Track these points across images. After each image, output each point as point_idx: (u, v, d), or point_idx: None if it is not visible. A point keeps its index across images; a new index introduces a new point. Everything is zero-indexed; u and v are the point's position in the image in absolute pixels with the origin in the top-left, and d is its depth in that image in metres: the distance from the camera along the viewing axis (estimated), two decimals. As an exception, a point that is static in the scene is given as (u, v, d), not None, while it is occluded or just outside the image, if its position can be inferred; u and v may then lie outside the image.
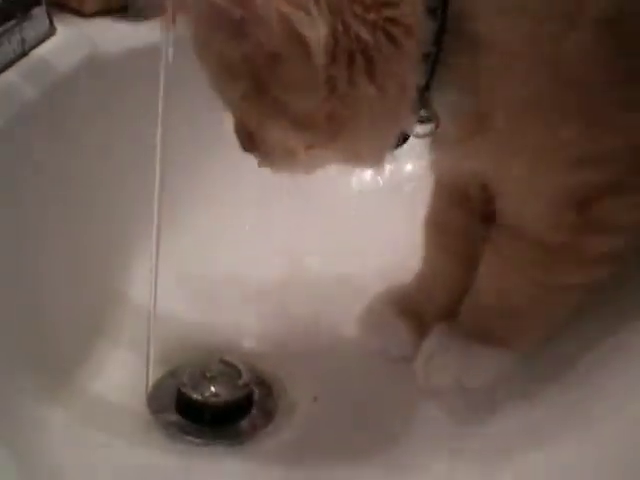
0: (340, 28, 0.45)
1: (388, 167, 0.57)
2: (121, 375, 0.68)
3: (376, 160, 0.55)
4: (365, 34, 0.46)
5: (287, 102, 0.48)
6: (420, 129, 0.53)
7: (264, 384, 0.68)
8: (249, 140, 0.55)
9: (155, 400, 0.65)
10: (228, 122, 0.57)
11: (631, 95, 0.52)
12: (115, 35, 0.79)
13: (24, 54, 0.66)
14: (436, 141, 0.56)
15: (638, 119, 0.52)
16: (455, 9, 0.48)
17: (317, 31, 0.45)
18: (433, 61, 0.49)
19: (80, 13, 0.82)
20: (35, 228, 0.63)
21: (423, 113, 0.52)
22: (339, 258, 0.81)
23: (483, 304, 0.64)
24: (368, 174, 0.88)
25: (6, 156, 0.59)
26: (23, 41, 0.66)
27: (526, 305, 0.62)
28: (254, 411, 0.66)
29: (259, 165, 0.57)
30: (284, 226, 0.82)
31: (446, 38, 0.48)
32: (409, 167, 0.86)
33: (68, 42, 0.72)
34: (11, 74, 0.63)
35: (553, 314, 0.62)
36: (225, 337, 0.73)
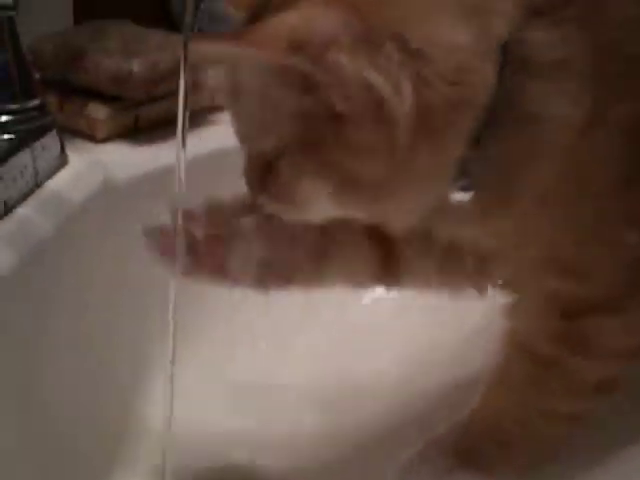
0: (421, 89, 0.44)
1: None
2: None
3: (405, 223, 0.54)
4: (437, 102, 0.44)
5: (343, 164, 0.46)
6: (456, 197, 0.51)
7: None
8: (260, 182, 0.53)
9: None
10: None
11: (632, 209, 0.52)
12: (127, 160, 0.80)
13: (37, 186, 0.67)
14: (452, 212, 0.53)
15: (632, 237, 0.52)
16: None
17: (404, 109, 0.44)
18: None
19: (92, 138, 0.83)
20: (52, 357, 0.63)
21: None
22: (355, 368, 0.80)
23: (476, 426, 0.63)
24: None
25: (22, 290, 0.59)
26: (36, 174, 0.67)
27: (517, 432, 0.60)
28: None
29: (264, 208, 0.55)
30: (299, 335, 0.82)
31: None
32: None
33: (80, 172, 0.72)
34: (25, 209, 0.64)
35: (542, 444, 0.60)
36: (243, 457, 0.72)
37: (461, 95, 0.45)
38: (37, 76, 0.85)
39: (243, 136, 0.52)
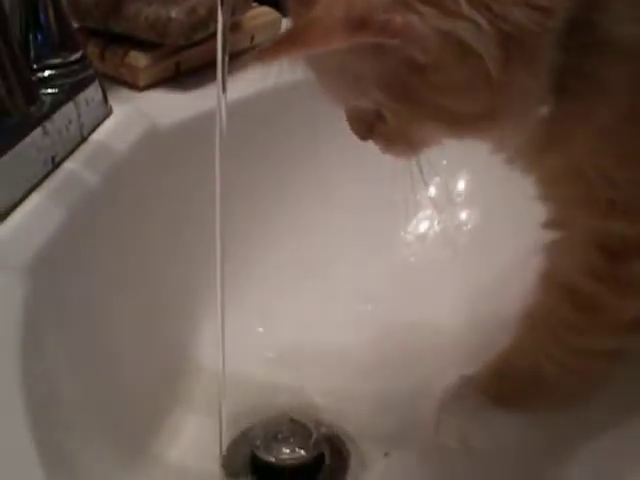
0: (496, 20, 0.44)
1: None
2: (195, 440, 0.70)
3: (514, 141, 0.54)
4: (516, 18, 0.44)
5: (445, 106, 0.47)
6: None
7: (335, 442, 0.69)
8: (367, 130, 0.54)
9: (230, 464, 0.67)
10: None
11: None
12: (170, 106, 0.80)
13: (83, 140, 0.68)
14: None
15: None
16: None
17: (486, 42, 0.43)
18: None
19: (134, 86, 0.84)
20: (107, 302, 0.65)
21: None
22: (408, 308, 0.81)
23: (510, 365, 0.64)
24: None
25: (73, 240, 0.61)
26: (81, 126, 0.68)
27: (553, 369, 0.61)
28: (327, 469, 0.67)
29: (383, 151, 0.56)
30: (348, 285, 0.83)
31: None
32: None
33: (124, 122, 0.73)
34: (72, 162, 0.65)
35: (578, 380, 0.61)
36: (294, 396, 0.74)
37: (536, 20, 0.44)
38: (77, 26, 0.86)
39: (334, 100, 0.53)
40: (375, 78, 0.47)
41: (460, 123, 0.49)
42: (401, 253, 0.90)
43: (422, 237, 0.90)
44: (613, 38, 0.48)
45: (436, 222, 0.89)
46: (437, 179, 0.87)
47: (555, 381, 0.61)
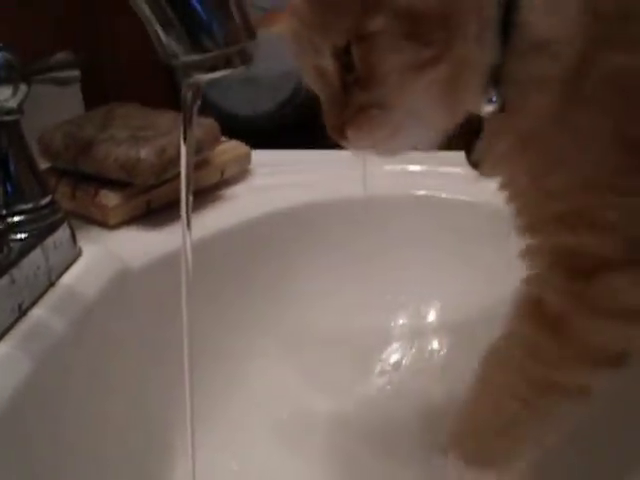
0: None
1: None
2: None
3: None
4: None
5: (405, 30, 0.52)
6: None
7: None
8: (342, 110, 0.57)
9: None
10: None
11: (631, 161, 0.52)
12: (140, 245, 0.81)
13: (52, 284, 0.68)
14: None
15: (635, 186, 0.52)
16: None
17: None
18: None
19: (104, 225, 0.85)
20: (74, 450, 0.63)
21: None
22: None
23: (473, 426, 0.63)
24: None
25: (41, 391, 0.60)
26: (50, 271, 0.68)
27: (521, 416, 0.59)
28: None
29: (349, 146, 0.59)
30: (323, 417, 0.83)
31: None
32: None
33: (94, 264, 0.73)
34: (40, 309, 0.65)
35: (544, 424, 0.60)
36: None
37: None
38: (48, 165, 0.87)
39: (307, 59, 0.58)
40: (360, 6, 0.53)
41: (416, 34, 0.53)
42: (377, 382, 0.89)
43: (397, 365, 0.90)
44: (531, 34, 0.52)
45: (410, 350, 0.89)
46: (410, 307, 0.88)
47: (521, 425, 0.60)
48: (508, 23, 0.53)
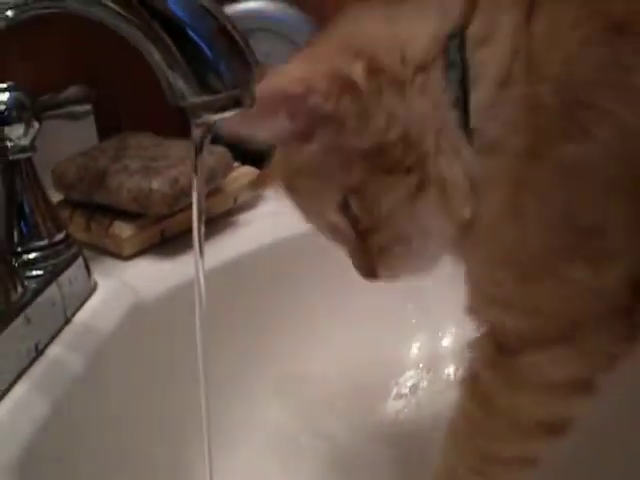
0: None
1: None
2: None
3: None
4: None
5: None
6: None
7: None
8: (366, 254, 0.62)
9: None
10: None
11: (591, 250, 0.53)
12: (154, 275, 0.81)
13: (67, 321, 0.68)
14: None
15: (583, 271, 0.53)
16: None
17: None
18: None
19: (119, 256, 0.85)
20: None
21: None
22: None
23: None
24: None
25: (60, 431, 0.60)
26: (65, 309, 0.69)
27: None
28: None
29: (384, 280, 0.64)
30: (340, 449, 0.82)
31: None
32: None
33: (108, 298, 0.74)
34: (56, 347, 0.65)
35: None
36: None
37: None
38: (62, 198, 0.88)
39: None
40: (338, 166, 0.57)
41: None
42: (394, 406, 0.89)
43: (414, 389, 0.90)
44: (482, 138, 0.54)
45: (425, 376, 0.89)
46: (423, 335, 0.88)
47: None
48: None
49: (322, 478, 0.80)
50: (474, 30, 0.55)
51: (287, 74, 0.56)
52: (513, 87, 0.52)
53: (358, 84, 0.55)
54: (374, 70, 0.55)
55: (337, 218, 0.61)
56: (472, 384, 0.60)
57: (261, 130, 0.59)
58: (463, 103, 0.55)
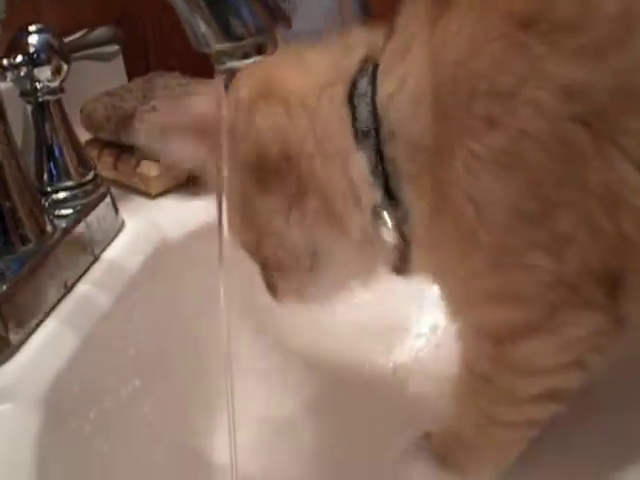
0: None
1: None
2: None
3: None
4: None
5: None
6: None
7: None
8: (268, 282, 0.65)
9: None
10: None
11: (542, 239, 0.53)
12: (181, 214, 0.83)
13: (95, 259, 0.71)
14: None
15: (543, 259, 0.53)
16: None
17: None
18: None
19: (146, 194, 0.87)
20: (121, 417, 0.66)
21: None
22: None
23: (448, 430, 0.67)
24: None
25: (88, 366, 0.62)
26: (94, 246, 0.71)
27: (475, 436, 0.64)
28: None
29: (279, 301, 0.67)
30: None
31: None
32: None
33: (136, 236, 0.76)
34: (84, 285, 0.67)
35: (502, 448, 0.64)
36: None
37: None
38: (91, 137, 0.89)
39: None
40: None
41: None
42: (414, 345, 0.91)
43: (433, 329, 0.91)
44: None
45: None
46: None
47: (478, 447, 0.65)
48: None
49: (343, 411, 0.82)
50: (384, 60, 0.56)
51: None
52: (420, 89, 0.53)
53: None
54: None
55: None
56: (468, 366, 0.62)
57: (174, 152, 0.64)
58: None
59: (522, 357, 0.57)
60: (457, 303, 0.60)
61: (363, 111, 0.55)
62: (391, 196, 0.57)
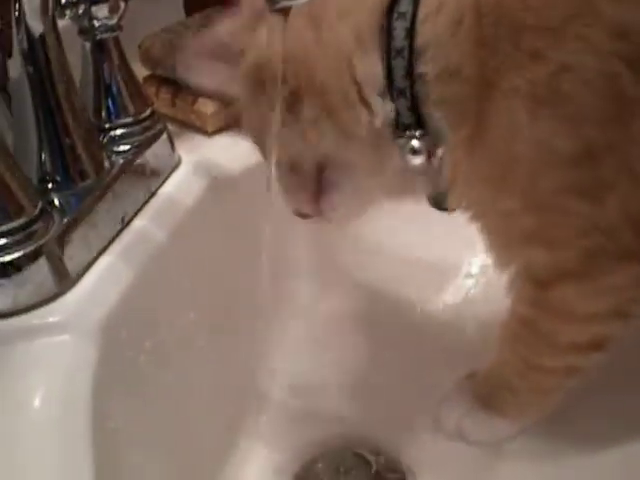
0: None
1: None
2: (262, 471, 0.74)
3: None
4: None
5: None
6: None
7: (395, 471, 0.73)
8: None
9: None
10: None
11: (580, 182, 0.52)
12: (238, 151, 0.83)
13: (152, 195, 0.72)
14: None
15: (579, 202, 0.53)
16: None
17: None
18: None
19: (203, 131, 0.88)
20: (178, 350, 0.69)
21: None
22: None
23: (490, 374, 0.68)
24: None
25: (143, 300, 0.64)
26: (150, 182, 0.72)
27: (517, 382, 0.64)
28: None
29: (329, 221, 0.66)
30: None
31: None
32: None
33: (192, 173, 0.77)
34: (141, 220, 0.69)
35: (543, 394, 0.65)
36: (353, 428, 0.77)
37: None
38: (149, 73, 0.90)
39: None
40: None
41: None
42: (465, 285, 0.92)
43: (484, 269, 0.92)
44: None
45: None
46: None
47: (519, 391, 0.65)
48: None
49: (391, 351, 0.84)
50: None
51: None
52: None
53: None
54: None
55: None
56: (518, 315, 0.62)
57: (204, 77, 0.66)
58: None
59: (561, 301, 0.57)
60: (496, 241, 0.60)
61: (400, 28, 0.54)
62: (419, 120, 0.56)
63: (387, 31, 0.54)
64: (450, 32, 0.52)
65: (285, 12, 0.56)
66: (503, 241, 0.59)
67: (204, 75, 0.66)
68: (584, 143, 0.50)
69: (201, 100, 0.87)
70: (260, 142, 0.65)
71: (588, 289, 0.56)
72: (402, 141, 0.57)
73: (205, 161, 0.80)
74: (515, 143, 0.52)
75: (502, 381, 0.66)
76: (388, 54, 0.55)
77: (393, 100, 0.56)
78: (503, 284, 0.62)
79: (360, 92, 0.56)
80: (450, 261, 0.90)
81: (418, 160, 0.57)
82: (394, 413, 0.77)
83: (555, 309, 0.58)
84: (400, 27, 0.54)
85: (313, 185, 0.62)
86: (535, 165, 0.52)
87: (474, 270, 0.91)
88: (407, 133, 0.56)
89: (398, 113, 0.56)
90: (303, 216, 0.66)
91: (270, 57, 0.58)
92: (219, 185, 0.78)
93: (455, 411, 0.70)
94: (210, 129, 0.87)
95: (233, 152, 0.84)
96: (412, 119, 0.56)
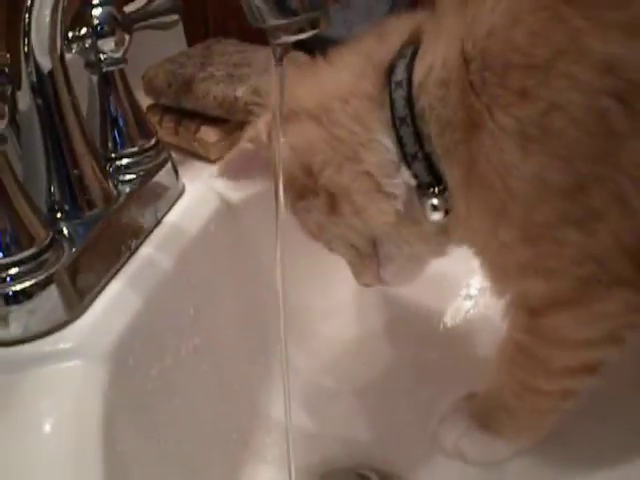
0: None
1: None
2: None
3: None
4: None
5: None
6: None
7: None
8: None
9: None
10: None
11: (574, 213, 0.54)
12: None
13: (158, 223, 0.74)
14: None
15: (573, 233, 0.54)
16: None
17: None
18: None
19: (206, 159, 0.90)
20: (183, 372, 0.70)
21: None
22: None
23: (488, 395, 0.70)
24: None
25: (150, 325, 0.65)
26: (156, 210, 0.74)
27: (514, 403, 0.66)
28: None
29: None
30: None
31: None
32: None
33: (196, 201, 0.79)
34: (148, 248, 0.70)
35: (539, 416, 0.67)
36: (357, 449, 0.79)
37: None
38: (153, 102, 0.92)
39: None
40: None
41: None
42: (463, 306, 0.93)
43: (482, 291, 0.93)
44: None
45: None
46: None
47: (516, 412, 0.67)
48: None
49: (391, 369, 0.85)
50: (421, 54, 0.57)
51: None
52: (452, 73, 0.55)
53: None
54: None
55: None
56: (509, 341, 0.64)
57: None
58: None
59: (555, 329, 0.59)
60: (494, 274, 0.62)
61: (399, 98, 0.57)
62: (435, 176, 0.59)
63: (390, 104, 0.58)
64: (441, 93, 0.55)
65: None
66: (500, 273, 0.62)
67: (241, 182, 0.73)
68: (575, 177, 0.52)
69: (203, 128, 0.89)
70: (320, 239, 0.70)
71: (581, 316, 0.58)
72: (424, 200, 0.60)
73: (209, 189, 0.82)
74: (509, 179, 0.54)
75: (499, 402, 0.68)
76: (394, 124, 0.58)
77: (409, 166, 0.59)
78: (501, 306, 0.64)
79: (376, 184, 0.60)
80: (450, 282, 0.91)
81: (437, 216, 0.60)
82: (397, 434, 0.78)
83: (548, 336, 0.60)
84: (399, 97, 0.57)
85: (374, 264, 0.68)
86: (530, 199, 0.54)
87: (473, 292, 0.92)
88: (429, 191, 0.59)
89: (417, 176, 0.58)
90: (367, 285, 0.73)
91: (295, 173, 0.63)
92: (223, 212, 0.80)
93: (453, 431, 0.71)
94: (213, 157, 0.89)
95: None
96: (430, 177, 0.59)
